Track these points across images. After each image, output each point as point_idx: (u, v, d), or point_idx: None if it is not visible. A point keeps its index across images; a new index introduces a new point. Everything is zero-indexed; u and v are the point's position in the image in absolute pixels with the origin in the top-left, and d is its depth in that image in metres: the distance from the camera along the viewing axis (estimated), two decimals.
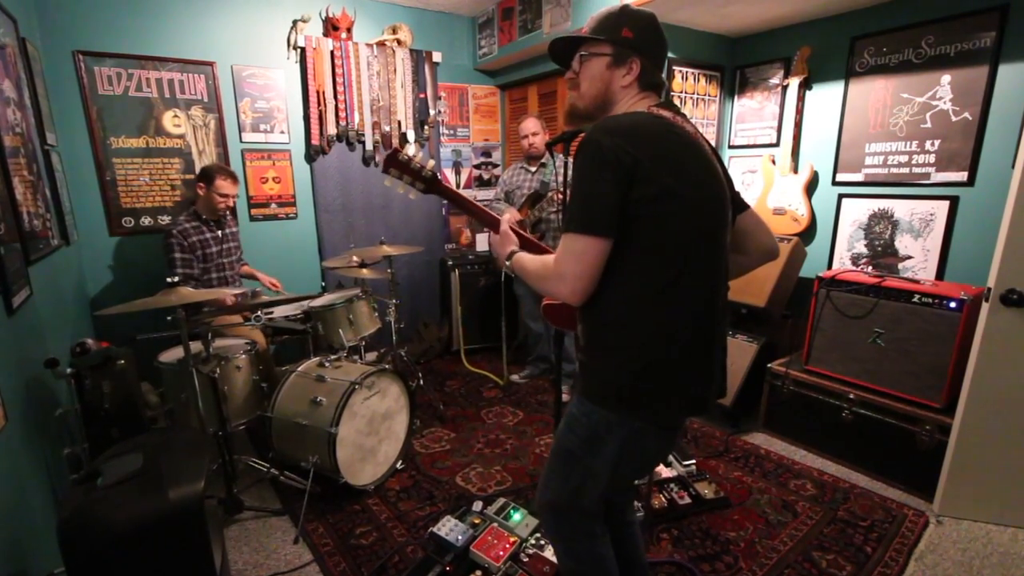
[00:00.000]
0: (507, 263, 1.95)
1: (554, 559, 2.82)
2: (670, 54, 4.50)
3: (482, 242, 6.58)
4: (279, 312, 4.17)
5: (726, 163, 5.10)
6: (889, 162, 4.01)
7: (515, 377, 5.27)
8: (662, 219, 1.57)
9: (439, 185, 2.21)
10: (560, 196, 4.25)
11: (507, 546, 2.89)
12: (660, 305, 1.62)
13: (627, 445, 1.76)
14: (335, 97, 5.10)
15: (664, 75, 1.81)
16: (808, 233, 4.52)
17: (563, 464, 1.90)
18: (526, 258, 1.86)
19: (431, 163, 2.19)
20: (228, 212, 4.19)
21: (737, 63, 4.96)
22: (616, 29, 1.74)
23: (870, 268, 4.17)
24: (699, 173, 1.64)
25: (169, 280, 2.99)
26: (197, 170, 4.15)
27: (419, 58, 5.53)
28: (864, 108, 4.11)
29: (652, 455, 1.96)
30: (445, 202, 6.19)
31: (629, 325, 1.64)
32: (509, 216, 4.67)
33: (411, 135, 5.56)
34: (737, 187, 1.93)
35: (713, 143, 4.85)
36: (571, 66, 1.85)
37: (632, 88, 1.78)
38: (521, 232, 2.07)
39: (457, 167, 6.27)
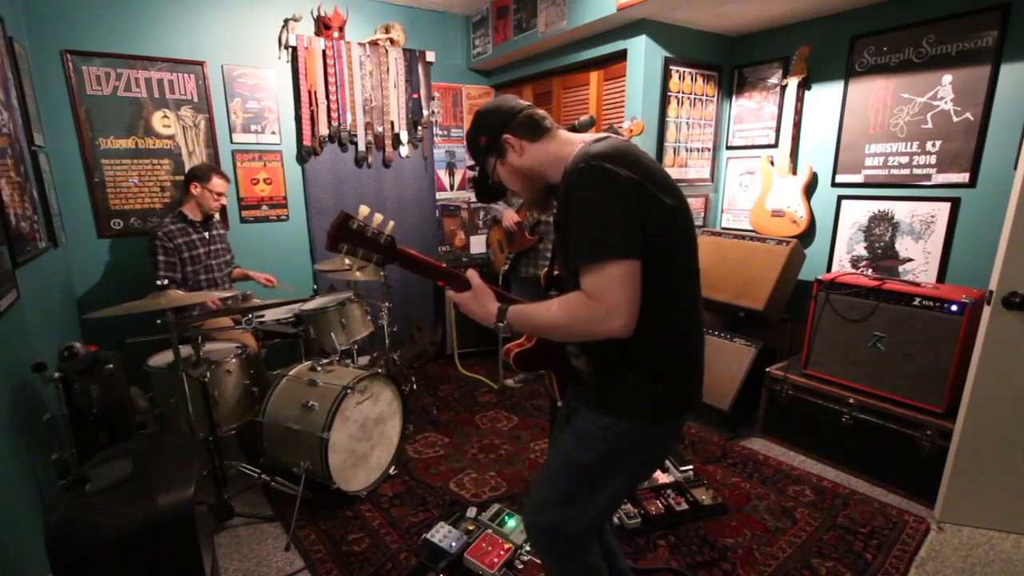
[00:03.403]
0: (499, 324, 1.75)
1: None
2: (667, 53, 4.47)
3: (477, 244, 6.52)
4: (270, 315, 4.14)
5: (724, 164, 5.09)
6: (889, 163, 3.98)
7: (509, 382, 5.21)
8: (667, 235, 1.61)
9: (397, 251, 1.80)
10: None
11: (502, 553, 2.87)
12: (670, 314, 1.68)
13: (650, 451, 1.83)
14: (327, 97, 5.06)
15: (534, 110, 1.88)
16: (807, 235, 4.49)
17: (573, 482, 1.86)
18: (534, 308, 1.71)
19: (391, 225, 1.82)
20: (218, 213, 4.15)
21: (735, 63, 4.93)
22: (479, 148, 1.90)
23: (870, 271, 4.13)
24: (676, 186, 1.69)
25: (158, 283, 2.95)
26: (187, 171, 4.10)
27: (412, 58, 5.49)
28: (864, 108, 4.07)
29: (666, 450, 2.08)
30: (439, 203, 6.16)
31: (646, 338, 1.63)
32: (508, 216, 4.64)
33: (404, 136, 5.53)
34: (733, 186, 1.99)
35: (711, 144, 4.93)
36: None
37: (531, 147, 1.82)
38: (494, 288, 1.89)
39: (451, 168, 6.22)
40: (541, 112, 1.86)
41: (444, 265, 1.89)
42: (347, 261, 1.61)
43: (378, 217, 1.79)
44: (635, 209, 1.52)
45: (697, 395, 1.82)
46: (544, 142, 1.81)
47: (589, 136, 1.78)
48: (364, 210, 1.77)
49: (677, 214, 1.63)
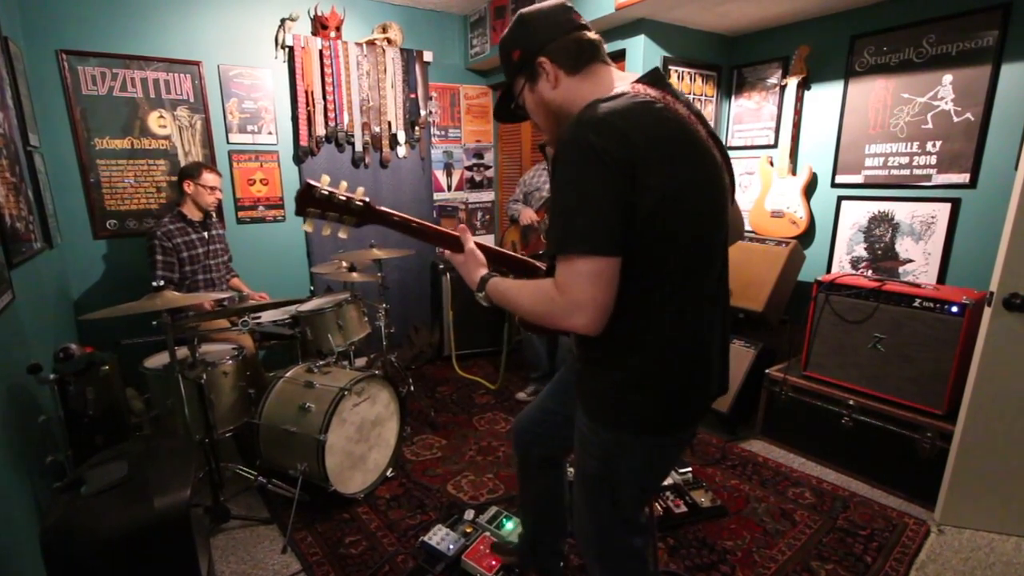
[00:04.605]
0: (480, 293, 1.70)
1: None
2: (666, 53, 4.46)
3: None
4: (267, 317, 4.12)
5: None
6: (889, 163, 3.96)
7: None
8: (663, 227, 1.41)
9: (376, 211, 1.78)
10: None
11: None
12: (661, 314, 1.49)
13: (645, 460, 1.67)
14: (324, 97, 5.03)
15: (585, 33, 1.61)
16: (807, 236, 4.47)
17: (591, 493, 1.78)
18: (511, 286, 1.63)
19: (360, 190, 1.79)
20: (215, 211, 4.14)
21: (734, 62, 4.92)
22: (510, 63, 1.68)
23: (870, 272, 4.12)
24: (699, 167, 1.48)
25: (154, 284, 2.94)
26: (179, 171, 4.09)
27: (409, 57, 5.47)
28: (864, 108, 4.06)
29: (670, 461, 1.83)
30: (437, 204, 6.14)
31: (627, 338, 1.50)
32: (527, 214, 4.61)
33: (401, 136, 5.51)
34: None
35: None
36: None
37: (567, 80, 1.60)
38: (490, 247, 1.85)
39: (448, 169, 6.20)
40: (592, 37, 1.60)
41: (434, 226, 1.84)
42: (306, 227, 1.56)
43: (343, 184, 1.77)
44: (620, 196, 1.35)
45: (699, 406, 1.65)
46: (580, 77, 1.59)
47: (625, 81, 1.56)
48: (325, 179, 1.73)
49: (682, 203, 1.42)
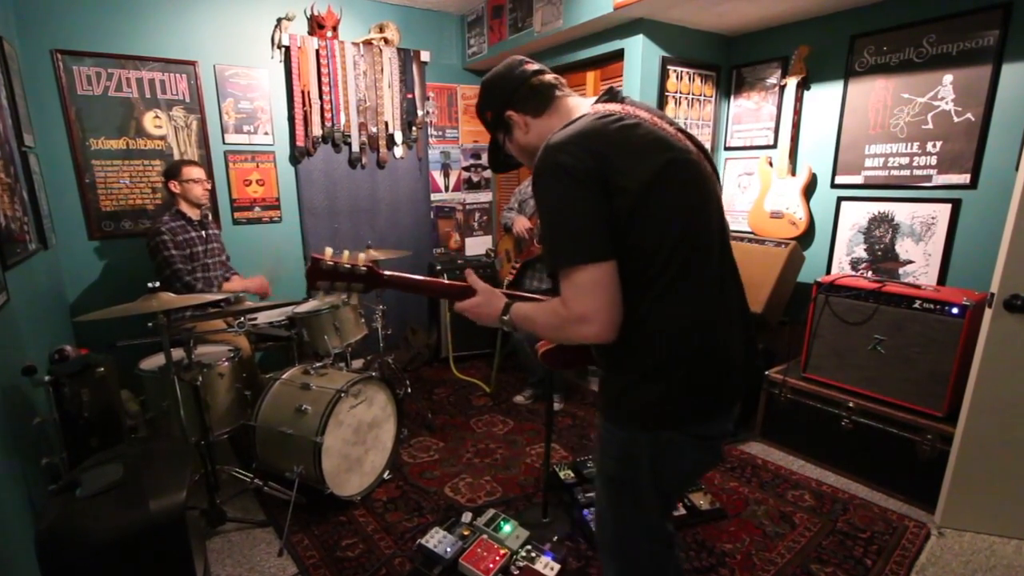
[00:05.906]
0: (504, 317, 1.74)
1: (545, 572, 2.80)
2: (665, 52, 4.44)
3: (472, 246, 6.48)
4: (263, 318, 4.10)
5: (722, 165, 5.05)
6: (889, 164, 3.95)
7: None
8: (645, 228, 1.47)
9: (380, 276, 1.86)
10: None
11: (497, 558, 2.85)
12: (662, 307, 1.52)
13: (661, 458, 1.66)
14: (320, 97, 5.02)
15: (539, 77, 1.77)
16: (806, 237, 4.46)
17: (611, 494, 1.80)
18: (529, 308, 1.69)
19: (361, 256, 1.87)
20: (209, 211, 4.11)
21: (733, 62, 4.90)
22: (487, 123, 1.87)
23: (870, 273, 4.11)
24: (671, 160, 1.52)
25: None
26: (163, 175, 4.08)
27: (407, 57, 5.45)
28: (864, 108, 4.04)
29: (693, 464, 1.80)
30: (434, 205, 6.12)
31: (634, 336, 1.52)
32: (520, 223, 4.60)
33: (398, 136, 5.49)
34: (732, 187, 1.82)
35: (709, 145, 4.87)
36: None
37: (535, 123, 1.75)
38: (496, 290, 1.90)
39: (446, 169, 6.17)
40: (547, 79, 1.75)
41: (440, 280, 1.92)
42: (318, 301, 1.65)
43: (347, 253, 1.84)
44: (598, 205, 1.44)
45: (713, 397, 1.62)
46: (547, 116, 1.73)
47: (584, 106, 1.70)
48: (329, 251, 1.82)
49: (659, 202, 1.47)
